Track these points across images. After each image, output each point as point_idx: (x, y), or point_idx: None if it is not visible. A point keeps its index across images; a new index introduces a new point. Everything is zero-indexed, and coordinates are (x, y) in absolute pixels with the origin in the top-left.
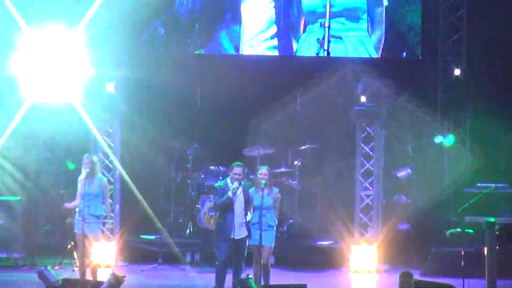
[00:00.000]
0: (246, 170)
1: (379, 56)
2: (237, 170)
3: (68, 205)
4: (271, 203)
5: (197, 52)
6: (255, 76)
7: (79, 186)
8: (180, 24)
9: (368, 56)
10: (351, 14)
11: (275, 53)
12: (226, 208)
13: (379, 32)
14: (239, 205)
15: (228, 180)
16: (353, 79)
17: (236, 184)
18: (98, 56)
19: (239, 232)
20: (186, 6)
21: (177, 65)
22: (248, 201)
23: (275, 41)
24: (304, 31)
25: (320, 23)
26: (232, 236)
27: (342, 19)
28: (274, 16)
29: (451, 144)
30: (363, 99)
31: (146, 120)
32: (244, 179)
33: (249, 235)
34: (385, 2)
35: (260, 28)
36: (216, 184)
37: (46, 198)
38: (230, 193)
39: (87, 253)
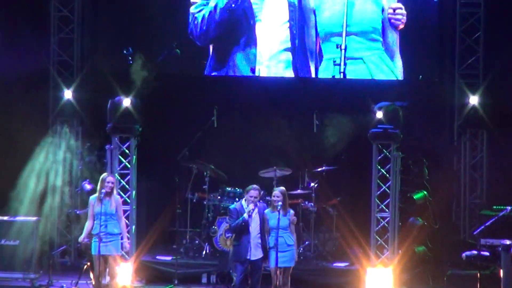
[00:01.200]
0: (262, 192)
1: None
2: (253, 193)
3: (84, 239)
4: (287, 224)
5: (213, 74)
6: (272, 97)
7: (92, 206)
8: (195, 46)
9: (390, 74)
10: (368, 35)
11: (292, 73)
12: (241, 230)
13: (395, 55)
14: (254, 227)
15: (243, 202)
16: (370, 101)
17: (251, 206)
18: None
19: (255, 253)
20: (200, 28)
21: (194, 87)
22: (263, 223)
23: (290, 61)
24: (320, 51)
25: (336, 45)
26: (248, 258)
27: (361, 39)
28: (289, 36)
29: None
30: (379, 121)
31: (163, 141)
32: (260, 201)
33: (265, 256)
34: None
35: (276, 48)
36: (231, 206)
37: (62, 219)
38: (245, 215)
39: (110, 273)
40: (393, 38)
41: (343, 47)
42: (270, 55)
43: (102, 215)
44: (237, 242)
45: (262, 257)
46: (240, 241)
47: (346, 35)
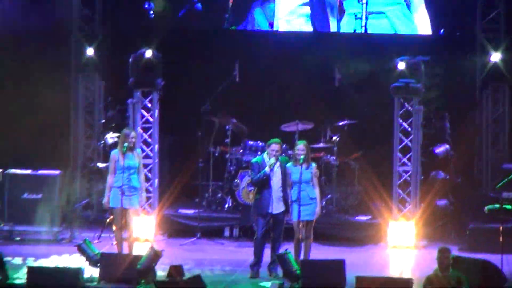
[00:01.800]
0: (283, 146)
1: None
2: (275, 146)
3: (107, 202)
4: (310, 177)
5: (231, 28)
6: (292, 52)
7: (115, 161)
8: (216, 1)
9: (414, 28)
10: None
11: (310, 27)
12: (263, 184)
13: (418, 8)
14: (276, 181)
15: (265, 155)
16: (391, 56)
17: (273, 160)
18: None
19: (277, 207)
20: None
21: (215, 41)
22: (285, 176)
23: (309, 15)
24: (341, 6)
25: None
26: (269, 211)
27: None
28: None
29: None
30: (401, 75)
31: (184, 95)
32: (282, 155)
33: (286, 210)
34: None
35: (295, 2)
36: (253, 160)
37: (84, 172)
38: (267, 169)
39: (128, 227)
40: None
41: (364, 1)
42: (289, 10)
43: (126, 169)
44: (258, 195)
45: (284, 211)
46: (261, 194)
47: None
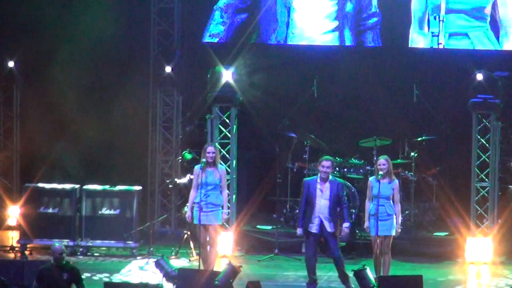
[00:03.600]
0: (335, 165)
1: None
2: (325, 163)
3: (190, 216)
4: (390, 193)
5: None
6: (370, 68)
7: (196, 175)
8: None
9: (493, 48)
10: (475, 13)
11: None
12: (311, 204)
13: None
14: (323, 201)
15: (318, 177)
16: (470, 71)
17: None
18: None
19: (325, 227)
20: None
21: (294, 56)
22: (336, 196)
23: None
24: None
25: (434, 16)
26: (313, 231)
27: (467, 16)
28: None
29: None
30: (479, 90)
31: (263, 110)
32: (335, 180)
33: (336, 230)
34: None
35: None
36: (305, 179)
37: (162, 188)
38: (298, 231)
39: (207, 243)
40: (506, 11)
41: (441, 18)
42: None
43: (204, 185)
44: (308, 214)
45: (333, 232)
46: (307, 213)
47: (453, 12)
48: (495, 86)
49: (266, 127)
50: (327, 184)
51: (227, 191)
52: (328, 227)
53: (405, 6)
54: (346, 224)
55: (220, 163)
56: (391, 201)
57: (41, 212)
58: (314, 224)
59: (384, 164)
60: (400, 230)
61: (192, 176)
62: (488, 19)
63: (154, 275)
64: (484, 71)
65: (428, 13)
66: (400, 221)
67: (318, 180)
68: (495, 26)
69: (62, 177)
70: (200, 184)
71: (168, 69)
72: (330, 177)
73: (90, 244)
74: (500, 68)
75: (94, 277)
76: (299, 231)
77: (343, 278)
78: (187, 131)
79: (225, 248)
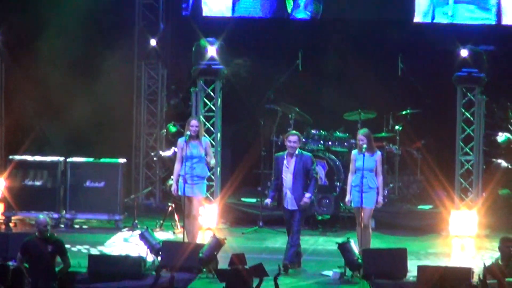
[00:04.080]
0: (302, 138)
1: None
2: (291, 138)
3: (175, 189)
4: (373, 166)
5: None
6: (355, 41)
7: (180, 148)
8: None
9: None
10: (480, 3)
11: None
12: (280, 180)
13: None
14: (289, 176)
15: (286, 152)
16: (455, 46)
17: (268, 200)
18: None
19: (291, 203)
20: None
21: (278, 30)
22: (299, 173)
23: None
24: None
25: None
26: (285, 206)
27: (472, 7)
28: None
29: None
30: (464, 65)
31: (247, 83)
32: (303, 153)
33: (299, 208)
34: None
35: None
36: (276, 155)
37: (147, 161)
38: (266, 201)
39: (191, 215)
40: None
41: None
42: None
43: (189, 158)
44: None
45: (298, 209)
46: (280, 190)
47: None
48: (480, 60)
49: (250, 100)
50: (293, 159)
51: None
52: (293, 200)
53: None
54: (307, 195)
55: (204, 135)
56: (373, 173)
57: (26, 185)
58: (284, 199)
59: (362, 140)
60: (382, 201)
61: (176, 149)
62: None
63: (138, 248)
64: (470, 46)
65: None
66: (384, 193)
67: (285, 156)
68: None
69: (47, 150)
70: (185, 157)
71: (153, 42)
72: (297, 151)
73: (75, 217)
74: (486, 42)
75: (79, 249)
76: (266, 201)
77: (292, 257)
78: (171, 104)
79: (209, 221)
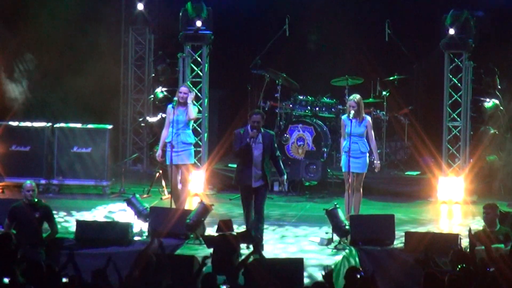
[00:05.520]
0: (265, 117)
1: None
2: (255, 117)
3: (160, 155)
4: (363, 131)
5: None
6: (342, 7)
7: (169, 115)
8: None
9: None
10: None
11: None
12: (244, 155)
13: None
14: (257, 154)
15: (249, 127)
16: (443, 10)
17: (254, 133)
18: None
19: (257, 181)
20: None
21: None
22: (266, 150)
23: None
24: None
25: None
26: (249, 184)
27: None
28: None
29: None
30: (451, 31)
31: (234, 49)
32: (266, 130)
33: (266, 184)
34: None
35: None
36: (236, 131)
37: (134, 126)
38: (248, 140)
39: (184, 182)
40: None
41: None
42: None
43: (175, 123)
44: (239, 167)
45: (264, 185)
46: (242, 166)
47: None
48: (468, 26)
49: (238, 65)
50: (259, 138)
51: (198, 128)
52: (259, 177)
53: None
54: (284, 177)
55: (194, 104)
56: (364, 138)
57: (13, 150)
58: (250, 177)
59: (353, 106)
60: (379, 165)
61: (164, 115)
62: None
63: (125, 214)
64: (457, 10)
65: None
66: (371, 158)
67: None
68: None
69: (34, 116)
70: (171, 122)
71: (140, 6)
72: (262, 129)
73: (62, 182)
74: (474, 7)
75: (66, 215)
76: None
77: (251, 239)
78: (159, 69)
79: (196, 186)
